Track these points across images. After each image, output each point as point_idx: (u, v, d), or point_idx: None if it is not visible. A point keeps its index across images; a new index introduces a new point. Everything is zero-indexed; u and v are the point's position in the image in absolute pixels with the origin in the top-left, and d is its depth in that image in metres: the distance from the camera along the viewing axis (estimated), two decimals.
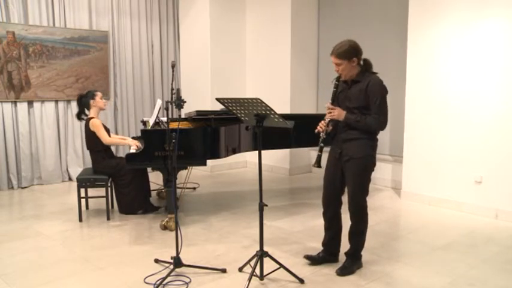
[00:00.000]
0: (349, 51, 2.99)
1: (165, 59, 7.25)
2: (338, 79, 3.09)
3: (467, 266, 3.33)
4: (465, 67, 4.64)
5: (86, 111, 4.61)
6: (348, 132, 3.06)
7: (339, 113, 3.02)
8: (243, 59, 7.23)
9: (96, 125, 4.44)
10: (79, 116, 4.64)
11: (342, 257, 3.34)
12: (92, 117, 4.50)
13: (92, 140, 4.49)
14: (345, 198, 3.20)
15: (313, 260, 3.33)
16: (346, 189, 3.18)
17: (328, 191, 3.24)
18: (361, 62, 3.06)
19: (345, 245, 3.34)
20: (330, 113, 3.04)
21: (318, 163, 3.09)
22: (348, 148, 3.07)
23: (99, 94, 4.60)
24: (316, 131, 3.10)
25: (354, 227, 3.19)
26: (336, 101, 3.11)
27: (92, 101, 4.54)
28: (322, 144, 3.08)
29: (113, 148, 4.85)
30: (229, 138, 4.40)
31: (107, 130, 4.62)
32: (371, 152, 3.09)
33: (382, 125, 3.02)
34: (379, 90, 2.99)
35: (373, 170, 3.13)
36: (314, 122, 3.18)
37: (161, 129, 4.41)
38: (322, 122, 3.09)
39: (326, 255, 3.35)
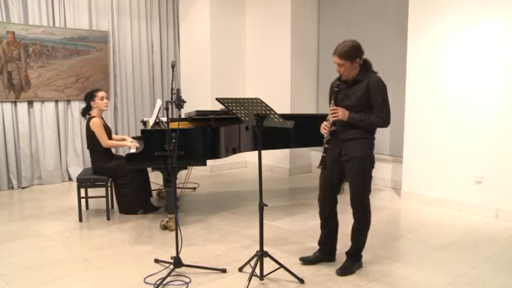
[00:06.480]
0: (353, 52, 2.98)
1: (165, 59, 7.25)
2: (339, 79, 3.09)
3: (468, 266, 3.33)
4: (465, 67, 4.64)
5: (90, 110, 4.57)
6: (348, 132, 3.07)
7: (343, 114, 3.02)
8: (243, 59, 7.23)
9: (96, 125, 4.42)
10: (83, 112, 4.60)
11: (339, 256, 3.35)
12: (93, 117, 4.49)
13: (91, 139, 4.48)
14: (344, 198, 3.20)
15: (309, 262, 3.33)
16: (344, 189, 3.18)
17: (324, 190, 3.24)
18: (361, 62, 3.07)
19: (341, 244, 3.35)
20: (334, 113, 3.04)
21: (323, 164, 3.10)
22: (348, 148, 3.07)
23: (99, 95, 4.48)
24: (322, 132, 3.11)
25: (357, 224, 3.19)
26: (336, 100, 3.11)
27: (92, 102, 4.50)
28: (326, 145, 3.09)
29: (112, 148, 4.83)
30: (229, 138, 4.40)
31: (109, 131, 4.61)
32: (370, 152, 3.11)
33: (386, 122, 3.04)
34: (380, 89, 3.01)
35: (373, 168, 3.14)
36: (314, 122, 3.19)
37: (161, 129, 4.41)
38: (325, 122, 3.09)
39: (322, 255, 3.36)
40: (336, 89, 3.10)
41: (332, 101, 3.10)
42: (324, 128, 3.08)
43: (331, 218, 3.29)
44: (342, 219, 3.37)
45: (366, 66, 3.09)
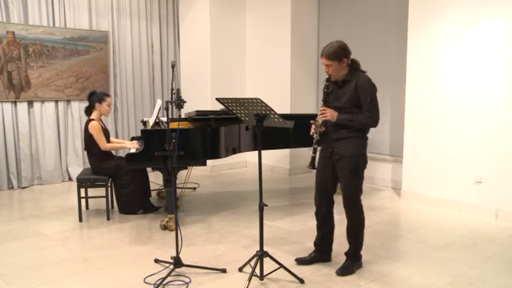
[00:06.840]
0: (340, 52, 3.01)
1: (165, 59, 7.25)
2: (328, 80, 3.11)
3: (467, 266, 3.33)
4: (465, 67, 4.64)
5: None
6: (339, 131, 3.08)
7: (331, 114, 3.04)
8: (243, 59, 7.23)
9: (95, 129, 4.41)
10: (87, 111, 4.57)
11: (335, 256, 3.36)
12: (92, 119, 4.48)
13: (89, 142, 4.46)
14: (341, 198, 3.20)
15: (305, 262, 3.33)
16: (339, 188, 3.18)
17: (320, 191, 3.25)
18: (349, 62, 3.08)
19: (339, 245, 3.34)
20: (323, 114, 3.05)
21: (312, 164, 3.10)
22: (339, 147, 3.08)
23: (108, 100, 4.52)
24: (311, 133, 3.11)
25: (350, 225, 3.20)
26: (326, 101, 3.12)
27: (97, 104, 4.49)
28: (315, 146, 3.10)
29: (112, 150, 4.82)
30: (229, 138, 4.40)
31: (107, 134, 4.61)
32: (362, 151, 3.11)
33: (375, 122, 3.05)
34: (369, 88, 3.02)
35: (365, 168, 3.14)
36: None
37: (161, 129, 4.41)
38: (315, 123, 3.10)
39: (318, 255, 3.36)
40: (325, 90, 3.12)
41: (322, 102, 3.11)
42: (314, 129, 3.09)
43: (328, 219, 3.30)
44: (340, 220, 3.37)
45: (354, 65, 3.11)
